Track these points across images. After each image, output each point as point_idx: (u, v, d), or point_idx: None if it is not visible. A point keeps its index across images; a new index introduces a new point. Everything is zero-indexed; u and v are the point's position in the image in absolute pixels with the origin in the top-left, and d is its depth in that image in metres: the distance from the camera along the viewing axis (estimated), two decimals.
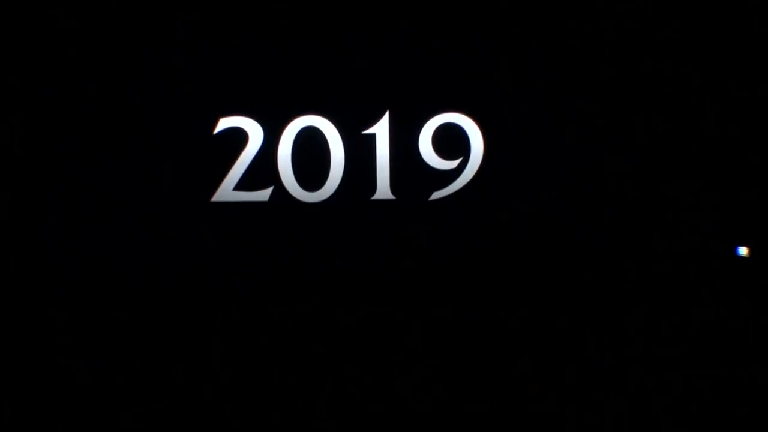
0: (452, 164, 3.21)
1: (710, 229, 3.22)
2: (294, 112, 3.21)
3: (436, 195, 3.23)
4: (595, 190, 3.23)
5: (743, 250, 3.22)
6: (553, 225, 3.23)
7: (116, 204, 3.21)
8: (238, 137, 3.20)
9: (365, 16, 3.22)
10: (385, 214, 3.23)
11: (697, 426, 2.93)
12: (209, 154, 3.20)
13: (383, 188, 3.22)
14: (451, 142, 3.21)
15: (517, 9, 3.21)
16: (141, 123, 3.20)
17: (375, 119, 3.22)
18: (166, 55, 3.20)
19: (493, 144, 3.21)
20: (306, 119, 3.20)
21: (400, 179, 3.22)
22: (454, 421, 2.95)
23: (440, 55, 3.21)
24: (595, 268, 3.22)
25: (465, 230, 3.24)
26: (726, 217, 3.22)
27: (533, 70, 3.22)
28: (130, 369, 3.09)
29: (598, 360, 3.12)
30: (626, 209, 3.23)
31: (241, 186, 3.21)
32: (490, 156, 3.21)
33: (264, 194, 3.22)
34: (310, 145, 3.20)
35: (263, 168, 3.20)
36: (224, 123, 3.21)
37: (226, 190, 3.21)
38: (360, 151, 3.22)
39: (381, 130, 3.21)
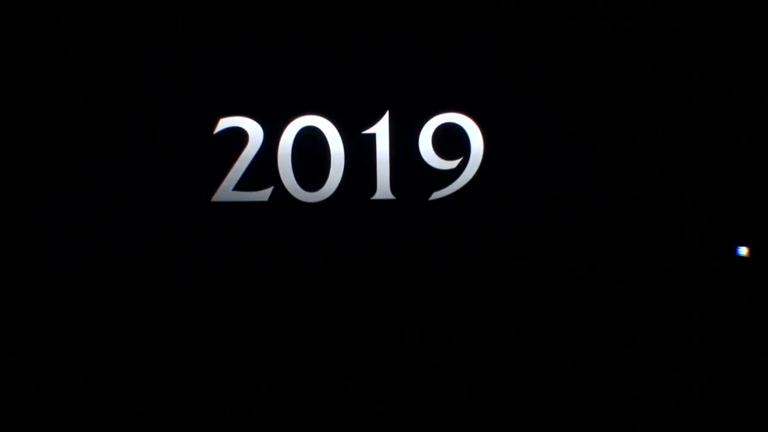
0: (452, 164, 3.21)
1: (710, 229, 3.22)
2: (294, 112, 3.21)
3: (436, 195, 3.22)
4: (595, 190, 3.23)
5: (743, 250, 3.22)
6: (553, 225, 3.23)
7: (116, 204, 3.20)
8: (238, 137, 3.20)
9: (365, 16, 3.21)
10: (385, 214, 3.23)
11: (697, 426, 2.93)
12: (209, 154, 3.20)
13: (383, 188, 3.22)
14: (451, 142, 3.21)
15: (517, 9, 3.21)
16: (141, 123, 3.20)
17: (375, 119, 3.22)
18: (166, 55, 3.20)
19: (493, 144, 3.21)
20: (306, 119, 3.20)
21: (400, 179, 3.22)
22: (454, 421, 2.95)
23: (440, 55, 3.21)
24: (595, 268, 3.22)
25: (465, 230, 3.24)
26: (726, 217, 3.22)
27: (533, 70, 3.22)
28: (130, 369, 3.09)
29: (598, 360, 3.12)
30: (626, 209, 3.23)
31: (241, 186, 3.21)
32: (490, 156, 3.21)
33: (264, 194, 3.22)
34: (310, 145, 3.20)
35: (263, 168, 3.20)
36: (224, 123, 3.21)
37: (226, 190, 3.21)
38: (360, 151, 3.22)
39: (381, 130, 3.21)
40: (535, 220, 3.24)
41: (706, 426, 2.93)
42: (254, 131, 3.20)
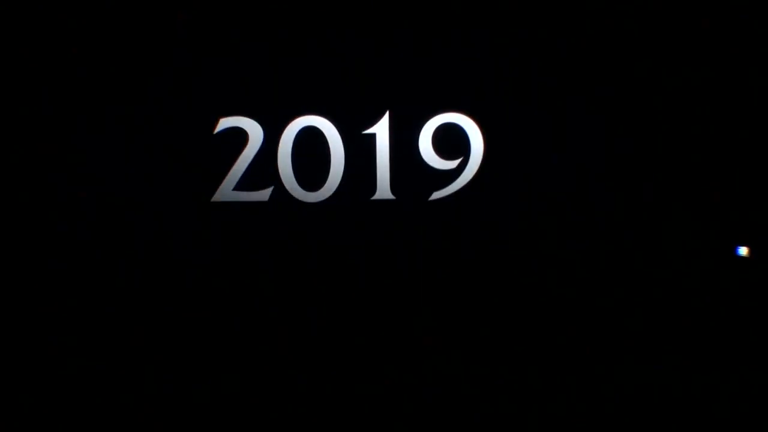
0: (452, 164, 3.21)
1: (710, 229, 3.22)
2: (294, 112, 3.21)
3: (436, 195, 3.22)
4: (595, 189, 3.22)
5: (743, 250, 3.22)
6: (553, 225, 3.23)
7: (116, 204, 3.20)
8: (238, 137, 3.20)
9: (365, 16, 3.22)
10: (385, 214, 3.23)
11: (697, 426, 2.93)
12: (209, 154, 3.20)
13: (383, 188, 3.22)
14: (451, 142, 3.21)
15: (517, 9, 3.21)
16: (141, 123, 3.20)
17: (375, 119, 3.22)
18: (167, 55, 3.20)
19: (493, 144, 3.21)
20: (306, 119, 3.20)
21: (400, 179, 3.22)
22: (454, 420, 2.95)
23: (440, 55, 3.21)
24: (595, 268, 3.22)
25: (465, 230, 3.24)
26: (726, 217, 3.22)
27: (533, 70, 3.22)
28: (130, 369, 3.09)
29: (598, 360, 3.12)
30: (626, 209, 3.22)
31: (241, 186, 3.21)
32: (490, 156, 3.21)
33: (264, 194, 3.22)
34: (310, 145, 3.20)
35: (263, 168, 3.20)
36: (224, 123, 3.21)
37: (226, 190, 3.21)
38: (360, 151, 3.22)
39: (381, 130, 3.21)
40: (535, 220, 3.23)
41: (706, 426, 2.93)
42: (254, 131, 3.20)
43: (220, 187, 3.21)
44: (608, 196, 3.23)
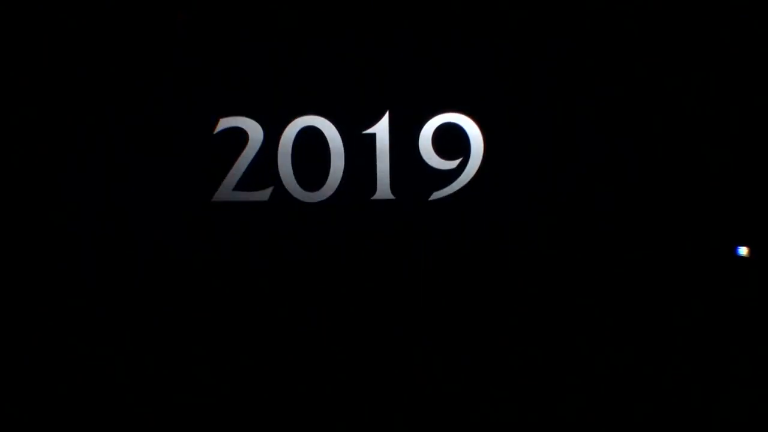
0: (452, 164, 3.21)
1: (710, 229, 3.22)
2: (294, 112, 3.21)
3: (436, 195, 3.22)
4: (595, 189, 3.22)
5: (743, 250, 3.22)
6: (553, 225, 3.23)
7: (116, 203, 3.20)
8: (238, 137, 3.20)
9: (365, 16, 3.21)
10: (385, 214, 3.23)
11: (697, 426, 2.93)
12: (209, 154, 3.20)
13: (383, 188, 3.22)
14: (451, 142, 3.21)
15: (517, 9, 3.21)
16: (141, 123, 3.20)
17: (375, 119, 3.22)
18: (167, 55, 3.20)
19: (493, 144, 3.21)
20: (306, 119, 3.20)
21: (400, 179, 3.22)
22: (454, 420, 2.95)
23: (440, 55, 3.21)
24: (595, 268, 3.22)
25: (465, 230, 3.24)
26: (726, 217, 3.22)
27: (534, 71, 3.21)
28: (130, 369, 3.09)
29: (598, 360, 3.12)
30: (626, 209, 3.22)
31: (241, 186, 3.21)
32: (490, 156, 3.21)
33: (264, 194, 3.22)
34: (310, 145, 3.20)
35: (263, 168, 3.20)
36: (224, 123, 3.21)
37: (226, 190, 3.21)
38: (360, 151, 3.22)
39: (381, 130, 3.21)
40: (535, 220, 3.23)
41: (706, 426, 2.93)
42: (254, 131, 3.20)
43: (220, 187, 3.21)
44: (608, 196, 3.23)
